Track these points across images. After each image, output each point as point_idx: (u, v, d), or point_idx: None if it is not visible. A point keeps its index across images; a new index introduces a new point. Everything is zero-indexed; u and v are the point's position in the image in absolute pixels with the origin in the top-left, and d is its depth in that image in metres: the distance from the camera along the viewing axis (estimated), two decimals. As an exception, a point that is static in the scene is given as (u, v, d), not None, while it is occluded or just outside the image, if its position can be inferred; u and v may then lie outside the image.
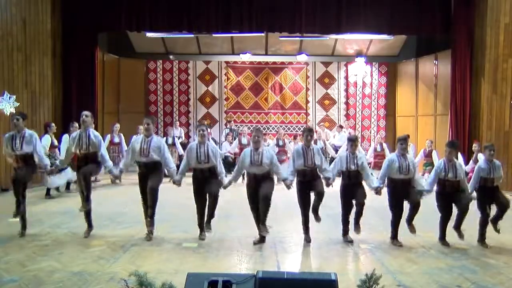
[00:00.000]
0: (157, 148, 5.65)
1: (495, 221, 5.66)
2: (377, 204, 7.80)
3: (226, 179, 5.83)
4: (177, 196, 8.60)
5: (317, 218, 5.59)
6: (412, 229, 5.65)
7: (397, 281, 4.17)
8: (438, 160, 6.87)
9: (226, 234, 5.86)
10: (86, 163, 5.71)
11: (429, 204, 6.99)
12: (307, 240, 5.58)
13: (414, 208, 5.55)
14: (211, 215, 5.66)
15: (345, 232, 5.75)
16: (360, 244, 5.45)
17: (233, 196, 8.23)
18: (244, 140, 10.88)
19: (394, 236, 5.66)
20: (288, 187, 5.62)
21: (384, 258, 4.89)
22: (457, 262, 4.77)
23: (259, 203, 5.38)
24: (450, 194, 5.58)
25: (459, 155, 9.08)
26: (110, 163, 5.94)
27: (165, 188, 9.85)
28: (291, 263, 4.84)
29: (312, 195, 5.64)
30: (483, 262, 4.78)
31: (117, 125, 10.92)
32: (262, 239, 5.50)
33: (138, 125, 11.96)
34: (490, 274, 4.41)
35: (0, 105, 9.17)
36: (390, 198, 5.70)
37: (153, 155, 5.61)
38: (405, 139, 5.67)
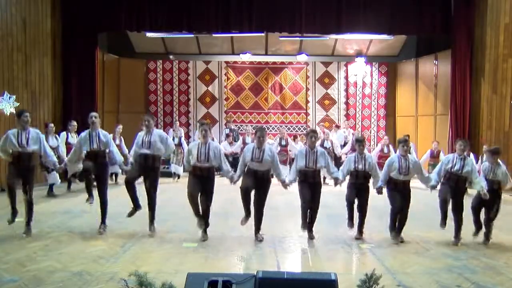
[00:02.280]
0: (159, 137, 5.89)
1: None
2: (377, 204, 7.82)
3: (235, 175, 5.91)
4: (177, 196, 8.61)
5: (311, 237, 5.72)
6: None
7: (397, 281, 4.17)
8: None
9: (226, 234, 5.86)
10: (96, 161, 5.90)
11: (429, 204, 7.02)
12: (305, 229, 5.67)
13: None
14: (206, 224, 5.69)
15: (351, 226, 5.92)
16: (360, 244, 5.45)
17: (233, 196, 8.23)
18: (248, 140, 10.87)
19: (391, 228, 5.77)
20: (285, 187, 5.76)
21: (384, 258, 4.88)
22: (457, 262, 4.77)
23: (254, 213, 5.65)
24: (452, 187, 5.64)
25: (471, 155, 9.08)
26: (120, 157, 6.26)
27: (166, 188, 9.88)
28: (291, 263, 4.84)
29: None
30: (483, 262, 4.77)
31: (120, 127, 10.91)
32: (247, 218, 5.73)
33: (139, 125, 11.99)
34: (490, 274, 4.41)
35: (0, 105, 9.17)
36: (389, 197, 5.79)
37: (154, 147, 5.79)
38: (406, 141, 5.73)
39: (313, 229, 5.80)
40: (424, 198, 8.70)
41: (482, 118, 10.41)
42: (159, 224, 6.28)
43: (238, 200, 7.62)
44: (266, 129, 13.79)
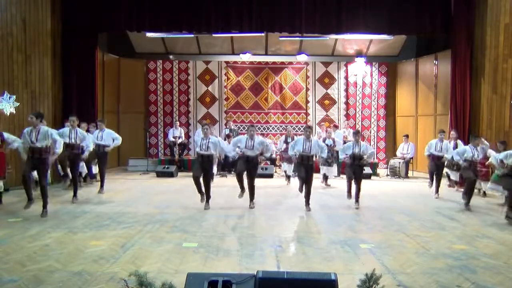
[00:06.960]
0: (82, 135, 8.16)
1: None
2: (377, 204, 7.84)
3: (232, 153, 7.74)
4: (177, 196, 8.62)
5: (307, 209, 7.27)
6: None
7: (397, 281, 4.17)
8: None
9: (226, 234, 5.86)
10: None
11: (429, 204, 7.02)
12: (301, 191, 7.46)
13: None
14: (208, 197, 7.40)
15: (349, 197, 7.76)
16: (360, 244, 5.45)
17: (233, 196, 8.23)
18: None
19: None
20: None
21: (384, 258, 4.88)
22: (457, 262, 4.77)
23: (248, 188, 7.46)
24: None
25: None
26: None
27: (167, 190, 9.87)
28: (291, 263, 4.83)
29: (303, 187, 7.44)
30: (483, 262, 4.77)
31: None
32: (242, 193, 7.57)
33: (138, 126, 12.07)
34: (490, 274, 4.40)
35: (0, 105, 9.17)
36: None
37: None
38: (443, 131, 9.18)
39: (314, 229, 6.00)
40: (424, 199, 8.73)
41: (482, 118, 10.40)
42: (159, 224, 6.29)
43: (238, 201, 7.67)
44: (267, 129, 14.12)
